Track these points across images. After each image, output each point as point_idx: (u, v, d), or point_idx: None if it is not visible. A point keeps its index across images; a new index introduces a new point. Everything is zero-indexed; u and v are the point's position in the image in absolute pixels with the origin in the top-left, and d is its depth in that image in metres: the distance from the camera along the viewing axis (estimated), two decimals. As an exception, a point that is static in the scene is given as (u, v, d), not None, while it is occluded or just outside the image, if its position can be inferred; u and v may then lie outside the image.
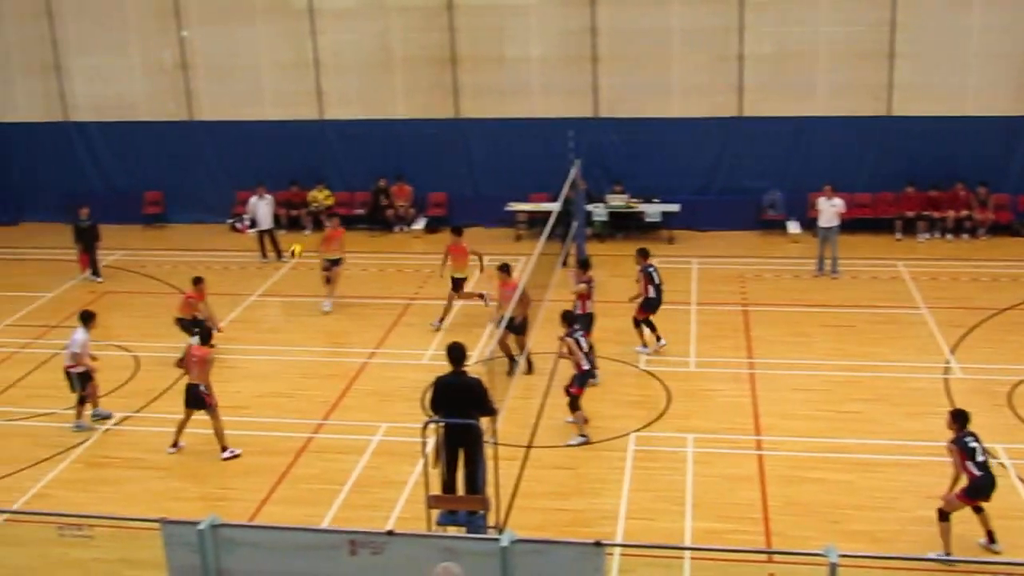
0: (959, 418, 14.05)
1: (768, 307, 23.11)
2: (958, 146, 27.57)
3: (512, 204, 28.85)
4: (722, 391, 19.13)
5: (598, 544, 9.96)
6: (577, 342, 17.49)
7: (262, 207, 27.17)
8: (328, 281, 23.68)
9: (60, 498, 16.01)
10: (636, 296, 20.83)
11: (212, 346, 18.36)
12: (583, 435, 17.31)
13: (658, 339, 20.91)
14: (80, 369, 18.27)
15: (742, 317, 22.47)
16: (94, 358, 18.59)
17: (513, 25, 29.62)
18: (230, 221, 30.23)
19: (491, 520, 13.54)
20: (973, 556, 13.66)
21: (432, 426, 13.64)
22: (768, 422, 17.85)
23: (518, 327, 19.33)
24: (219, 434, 17.41)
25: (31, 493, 16.27)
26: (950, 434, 14.14)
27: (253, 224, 27.93)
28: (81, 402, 18.43)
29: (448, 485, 13.74)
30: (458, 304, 22.74)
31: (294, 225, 29.80)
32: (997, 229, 27.58)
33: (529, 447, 17.18)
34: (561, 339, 17.67)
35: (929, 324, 21.87)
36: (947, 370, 19.68)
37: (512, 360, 19.41)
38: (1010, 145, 27.64)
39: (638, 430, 17.68)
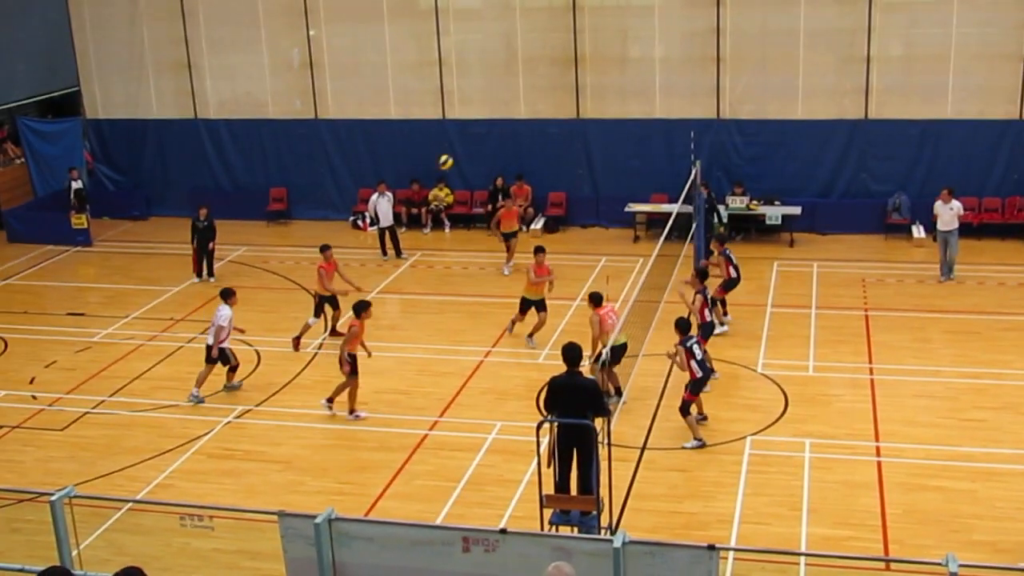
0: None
1: (890, 312, 22.67)
2: (1092, 150, 26.79)
3: (632, 205, 28.76)
4: (841, 396, 18.85)
5: (712, 547, 9.88)
6: (690, 351, 17.36)
7: (383, 204, 27.44)
8: (508, 249, 26.13)
9: (182, 489, 16.44)
10: (712, 264, 21.92)
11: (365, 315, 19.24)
12: (698, 439, 17.20)
13: (725, 314, 22.03)
14: (226, 344, 19.44)
15: (863, 322, 22.09)
16: (242, 331, 20.13)
17: (637, 26, 29.50)
18: (352, 218, 30.73)
19: (604, 521, 13.55)
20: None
21: (546, 426, 13.69)
22: (888, 428, 17.52)
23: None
24: (350, 398, 18.65)
25: (154, 483, 16.72)
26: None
27: (374, 222, 28.33)
28: (232, 369, 19.73)
29: (561, 485, 13.76)
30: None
31: (414, 223, 30.10)
32: None
33: (643, 449, 17.12)
34: (676, 347, 17.61)
35: (1059, 332, 21.27)
36: (1077, 380, 19.14)
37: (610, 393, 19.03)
38: None
39: (754, 434, 17.51)
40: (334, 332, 22.26)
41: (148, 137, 32.47)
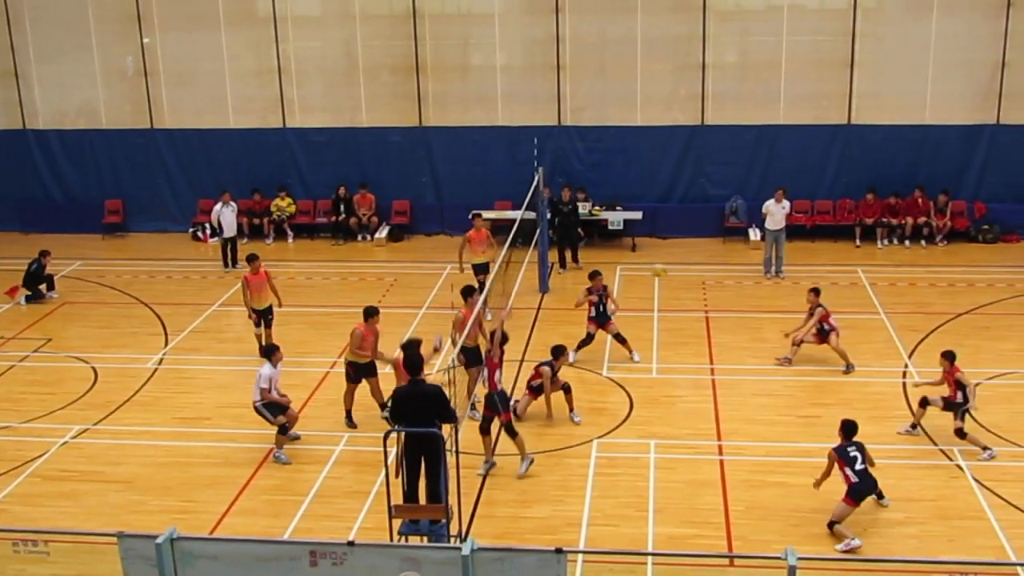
0: (847, 429, 15.09)
1: (729, 313, 23.22)
2: (917, 154, 27.99)
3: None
4: (684, 397, 19.20)
5: (559, 551, 9.97)
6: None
7: (227, 214, 26.91)
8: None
9: (17, 513, 15.80)
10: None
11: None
12: (489, 460, 16.77)
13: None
14: (265, 401, 17.33)
15: (704, 323, 22.55)
16: (282, 395, 17.56)
17: (478, 34, 29.65)
18: (191, 230, 30.13)
19: (453, 529, 13.52)
20: (931, 556, 13.79)
21: (394, 435, 13.60)
22: (729, 427, 17.93)
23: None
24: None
25: (-14, 508, 16.09)
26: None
27: (215, 232, 27.83)
28: (282, 431, 17.40)
29: (410, 494, 13.70)
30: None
31: (256, 233, 29.66)
32: (954, 235, 27.86)
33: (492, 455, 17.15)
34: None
35: (888, 329, 22.06)
36: (905, 374, 19.86)
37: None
38: (967, 153, 28.00)
39: (600, 437, 17.71)
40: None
41: (-27, 149, 31.32)
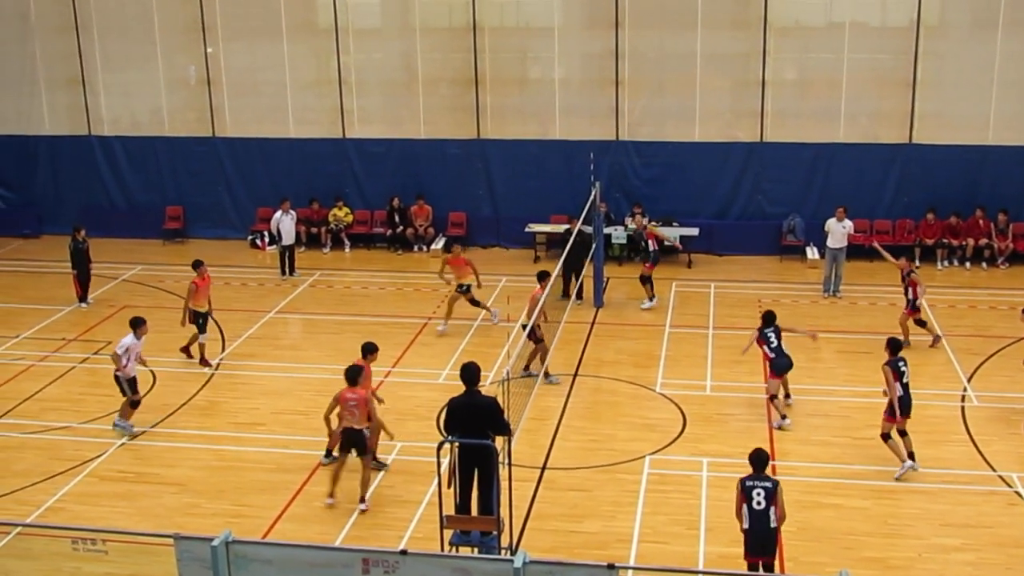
0: (894, 346, 17.16)
1: (784, 332, 22.96)
2: (979, 174, 27.68)
3: (532, 225, 28.90)
4: (737, 415, 19.07)
5: (611, 567, 9.93)
6: None
7: (286, 222, 27.15)
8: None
9: (74, 512, 16.04)
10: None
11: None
12: None
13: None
14: (119, 374, 18.57)
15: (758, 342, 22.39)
16: (143, 363, 19.10)
17: (537, 47, 29.77)
18: (250, 238, 30.41)
19: (504, 541, 13.53)
20: None
21: (447, 446, 13.65)
22: (783, 447, 17.79)
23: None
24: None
25: (45, 507, 16.28)
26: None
27: (273, 241, 28.09)
28: (133, 405, 18.75)
29: (462, 505, 13.73)
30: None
31: (313, 242, 29.88)
32: (1016, 257, 27.49)
33: (544, 469, 17.16)
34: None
35: (947, 352, 21.79)
36: (964, 398, 19.62)
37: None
38: (1030, 174, 27.64)
39: (653, 453, 17.65)
40: (186, 350, 21.88)
41: (40, 154, 31.79)
